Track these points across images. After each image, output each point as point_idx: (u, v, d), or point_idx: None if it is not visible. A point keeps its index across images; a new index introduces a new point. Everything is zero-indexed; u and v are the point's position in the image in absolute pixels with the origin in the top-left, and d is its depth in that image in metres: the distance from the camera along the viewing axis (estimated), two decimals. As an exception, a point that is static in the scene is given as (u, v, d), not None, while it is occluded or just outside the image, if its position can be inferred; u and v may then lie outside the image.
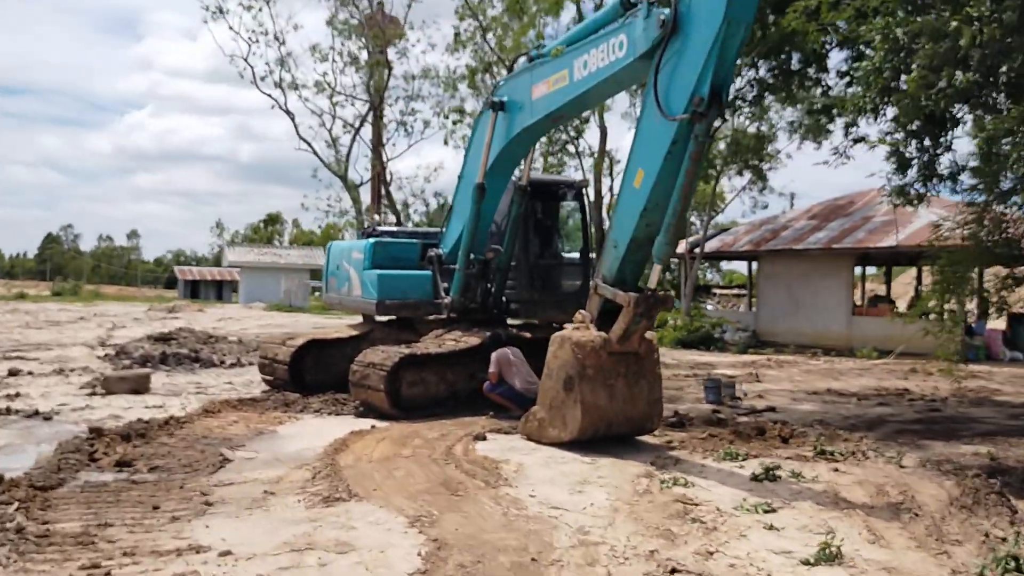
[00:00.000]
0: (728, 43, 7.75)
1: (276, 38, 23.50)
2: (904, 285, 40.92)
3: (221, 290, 78.20)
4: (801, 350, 24.89)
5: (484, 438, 9.88)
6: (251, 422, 10.71)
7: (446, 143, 30.49)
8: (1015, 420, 11.96)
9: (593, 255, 13.33)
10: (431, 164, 59.16)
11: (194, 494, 7.06)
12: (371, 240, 13.19)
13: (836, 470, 8.18)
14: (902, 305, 29.58)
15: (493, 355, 11.49)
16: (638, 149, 8.81)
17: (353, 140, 24.22)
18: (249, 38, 23.68)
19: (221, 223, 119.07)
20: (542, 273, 13.05)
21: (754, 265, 34.40)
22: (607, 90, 10.13)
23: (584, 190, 13.45)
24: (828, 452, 8.76)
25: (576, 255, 14.07)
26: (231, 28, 23.91)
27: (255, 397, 12.37)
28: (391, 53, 24.52)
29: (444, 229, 13.31)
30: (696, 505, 6.83)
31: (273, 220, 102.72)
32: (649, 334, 9.48)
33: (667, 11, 8.17)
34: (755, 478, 7.75)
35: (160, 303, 48.63)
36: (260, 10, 23.30)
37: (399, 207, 23.87)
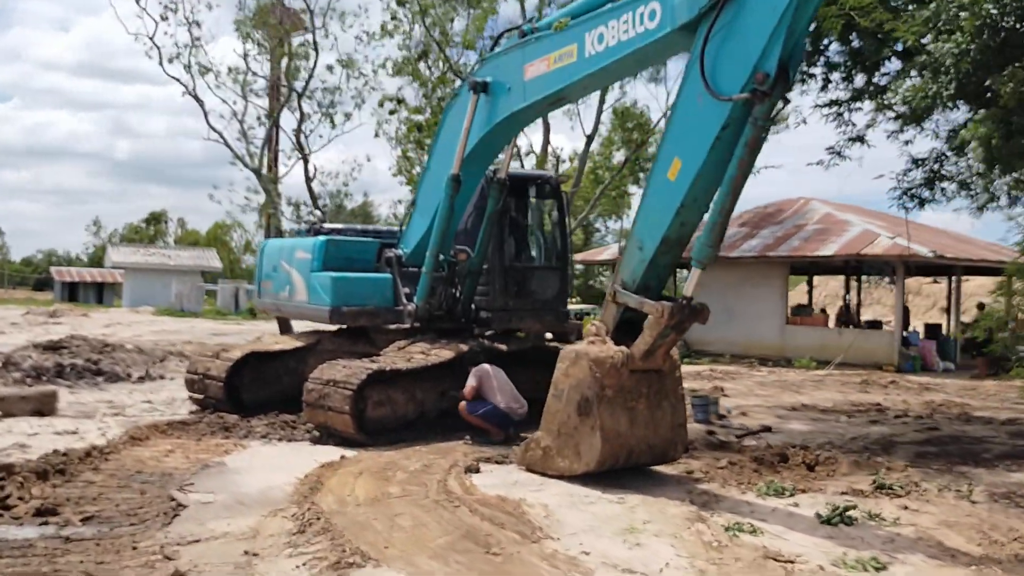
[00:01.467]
0: (801, 10, 6.62)
1: (187, 18, 21.23)
2: (825, 295, 41.35)
3: (102, 293, 73.14)
4: (736, 359, 24.33)
5: (477, 470, 8.48)
6: (190, 451, 8.98)
7: (376, 136, 28.67)
8: (1020, 439, 11.31)
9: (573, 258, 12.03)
10: (356, 158, 56.60)
11: (155, 558, 5.42)
12: (321, 238, 11.56)
13: (906, 508, 7.14)
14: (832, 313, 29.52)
15: (473, 369, 10.07)
16: (674, 135, 7.58)
17: (270, 132, 22.18)
18: (161, 15, 21.31)
19: (99, 222, 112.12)
20: (517, 278, 11.68)
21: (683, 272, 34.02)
22: (628, 67, 8.87)
23: (562, 186, 12.16)
24: (887, 486, 7.71)
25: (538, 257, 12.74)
26: (137, 2, 21.50)
27: (185, 420, 10.55)
28: (296, 44, 22.68)
29: (404, 227, 11.80)
30: (790, 562, 5.62)
31: (156, 219, 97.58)
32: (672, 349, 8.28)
33: (722, -26, 6.97)
34: (827, 521, 6.62)
35: (37, 306, 44.75)
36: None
37: (321, 203, 22.08)
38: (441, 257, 10.84)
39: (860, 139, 11.63)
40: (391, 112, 27.40)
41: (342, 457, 8.82)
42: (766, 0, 6.71)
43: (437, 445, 9.71)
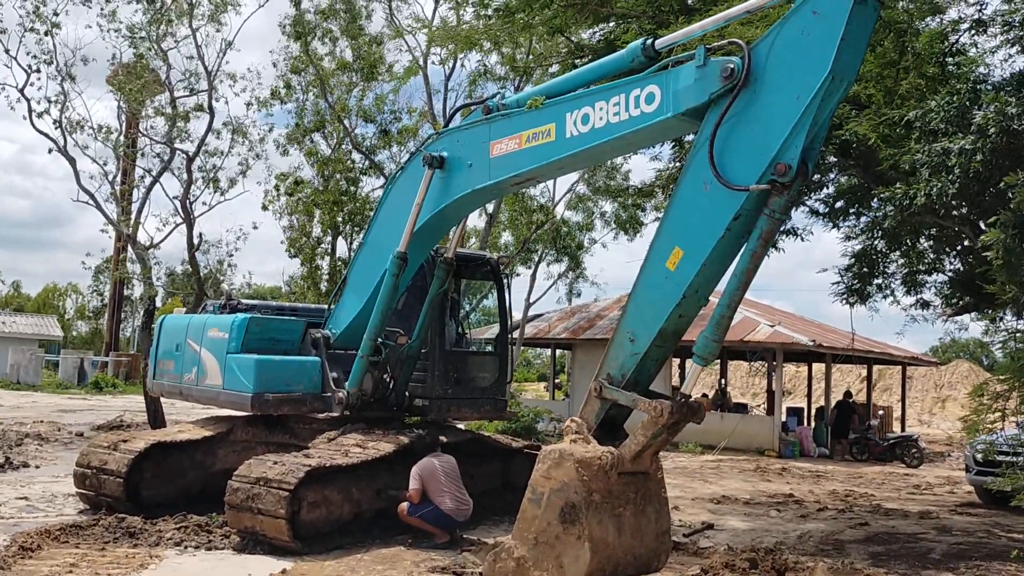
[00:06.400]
0: (827, 100, 6.42)
1: (59, 71, 19.55)
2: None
3: (-83, 360, 66.28)
4: (623, 444, 24.12)
5: (444, 585, 7.59)
6: (97, 565, 7.67)
7: (265, 208, 27.21)
8: (948, 535, 11.40)
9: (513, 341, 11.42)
10: (241, 226, 53.82)
11: None
12: (241, 316, 10.46)
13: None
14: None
15: (415, 468, 9.20)
16: (675, 223, 7.17)
17: (148, 192, 20.62)
18: (29, 66, 19.53)
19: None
20: (457, 364, 10.92)
21: (559, 352, 33.89)
22: (615, 150, 8.46)
23: (502, 267, 11.58)
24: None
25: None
26: (7, 51, 19.67)
27: (78, 522, 9.08)
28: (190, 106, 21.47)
29: (332, 306, 10.86)
30: None
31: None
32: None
33: (736, 60, 6.71)
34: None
35: None
36: (46, 34, 19.40)
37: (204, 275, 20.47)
38: (379, 340, 9.99)
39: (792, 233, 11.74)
40: (288, 193, 26.15)
41: (283, 572, 7.71)
42: (788, 89, 6.47)
43: (378, 552, 8.77)
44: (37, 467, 13.41)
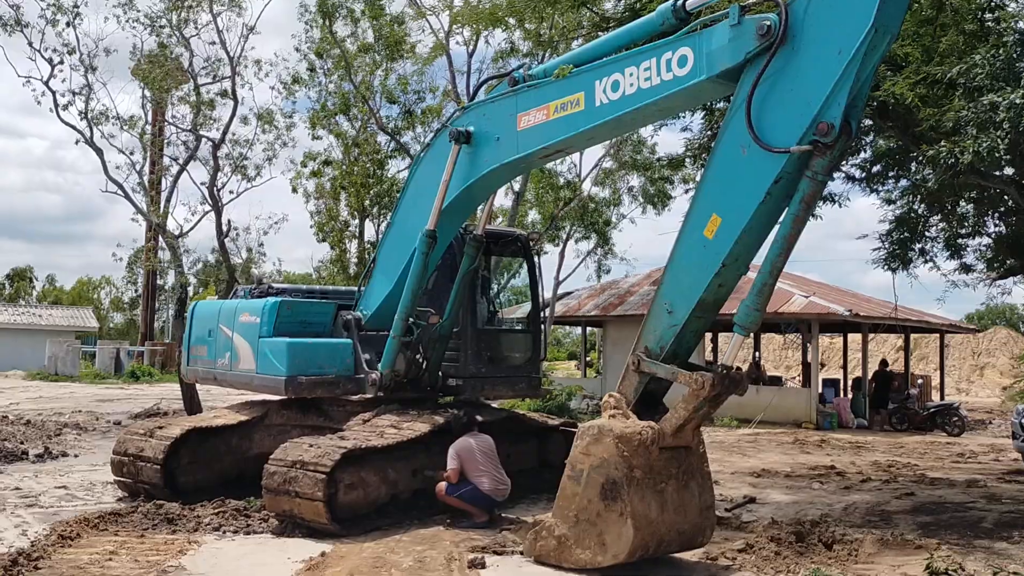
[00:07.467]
0: (868, 58, 6.16)
1: (82, 61, 19.57)
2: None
3: (-43, 355, 67.45)
4: (658, 420, 23.93)
5: (483, 564, 7.47)
6: (136, 552, 7.64)
7: (295, 191, 27.25)
8: (999, 503, 11.13)
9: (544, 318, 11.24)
10: (270, 214, 53.97)
11: None
12: (272, 300, 10.37)
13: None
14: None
15: (452, 448, 9.08)
16: (712, 189, 6.97)
17: (176, 181, 20.67)
18: (51, 59, 19.57)
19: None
20: (490, 342, 10.78)
21: (589, 330, 33.73)
22: (648, 117, 8.24)
23: (532, 243, 11.41)
24: (943, 571, 7.14)
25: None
26: (30, 44, 19.69)
27: (117, 510, 9.07)
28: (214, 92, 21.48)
29: (362, 288, 10.75)
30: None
31: (20, 276, 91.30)
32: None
33: (772, 16, 6.46)
34: (907, 616, 5.98)
35: None
36: (68, 24, 19.44)
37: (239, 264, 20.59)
38: (411, 320, 9.87)
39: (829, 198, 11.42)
40: (314, 174, 26.01)
41: (322, 554, 7.64)
42: (829, 43, 6.22)
43: (417, 532, 8.67)
44: (76, 456, 13.48)
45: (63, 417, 19.30)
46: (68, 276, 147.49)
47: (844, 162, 11.58)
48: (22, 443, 14.31)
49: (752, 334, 32.04)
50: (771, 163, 6.49)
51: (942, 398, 30.05)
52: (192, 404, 17.51)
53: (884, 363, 27.75)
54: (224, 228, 19.67)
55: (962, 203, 11.76)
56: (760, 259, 7.02)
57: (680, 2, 7.46)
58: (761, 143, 6.49)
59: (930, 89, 9.18)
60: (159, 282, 50.73)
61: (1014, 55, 7.76)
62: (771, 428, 22.15)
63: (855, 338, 32.81)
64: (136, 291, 66.73)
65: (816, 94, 6.28)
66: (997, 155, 7.48)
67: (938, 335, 32.29)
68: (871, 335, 29.98)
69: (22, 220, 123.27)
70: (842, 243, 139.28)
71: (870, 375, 25.84)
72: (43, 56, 19.90)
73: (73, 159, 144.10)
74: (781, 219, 6.63)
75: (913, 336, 35.57)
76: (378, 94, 24.34)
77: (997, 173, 9.74)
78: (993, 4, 10.01)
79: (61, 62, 19.70)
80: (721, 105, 10.32)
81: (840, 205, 11.54)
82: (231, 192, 22.34)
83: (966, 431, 21.80)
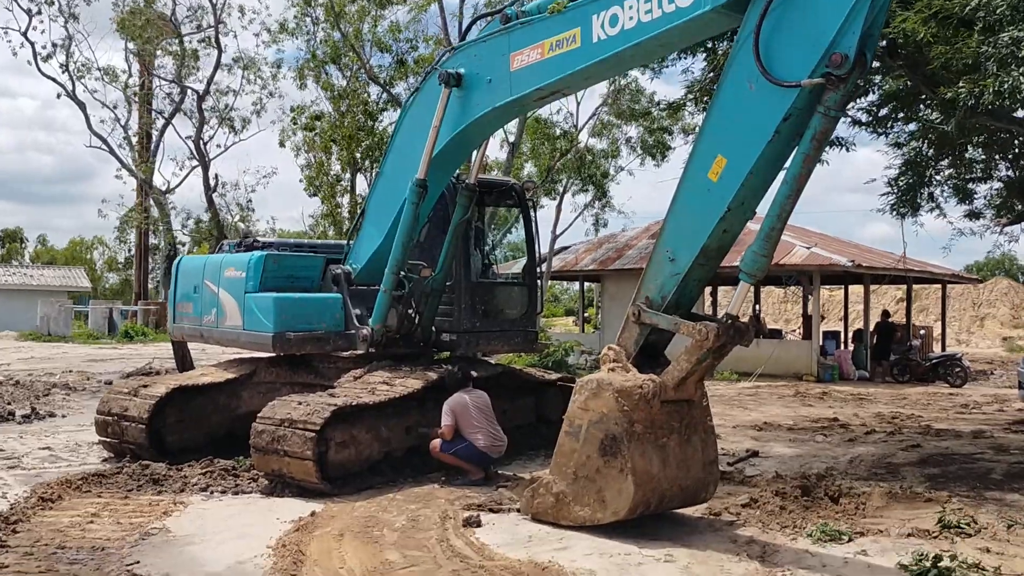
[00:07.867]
0: (885, -19, 5.73)
1: (62, 11, 18.94)
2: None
3: (-51, 316, 67.12)
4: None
5: (478, 523, 7.20)
6: (119, 514, 7.37)
7: (282, 145, 26.69)
8: (1007, 454, 10.89)
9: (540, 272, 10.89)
10: (259, 168, 53.33)
11: None
12: (258, 253, 10.01)
13: (988, 550, 6.32)
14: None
15: (447, 404, 8.79)
16: (717, 128, 6.57)
17: (161, 135, 20.14)
18: (28, 8, 18.94)
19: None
20: (484, 296, 10.43)
21: (587, 284, 33.34)
22: (649, 53, 7.78)
23: (528, 193, 11.00)
24: (955, 524, 6.88)
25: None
26: (6, -6, 19.09)
27: (102, 471, 8.79)
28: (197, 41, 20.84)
29: (351, 241, 10.38)
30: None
31: (11, 236, 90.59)
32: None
33: (781, -60, 6.01)
34: (922, 574, 5.70)
35: None
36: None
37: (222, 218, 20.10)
38: (402, 274, 9.51)
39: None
40: (306, 128, 25.36)
41: (312, 514, 7.37)
42: (843, -33, 5.77)
43: (411, 490, 8.42)
44: (63, 417, 13.21)
45: (53, 377, 19.02)
46: (61, 237, 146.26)
47: (850, 105, 11.17)
48: (8, 403, 14.03)
49: (757, 288, 31.83)
50: (780, 98, 6.09)
51: (943, 349, 29.85)
52: (184, 363, 17.22)
53: (886, 314, 27.45)
54: (212, 183, 19.22)
55: (970, 148, 11.34)
56: (766, 205, 6.65)
57: (682, -72, 6.98)
58: (770, 77, 6.08)
59: (942, 26, 8.72)
60: (152, 241, 50.33)
61: None
62: (772, 381, 21.93)
63: (855, 290, 32.51)
64: (129, 251, 66.23)
65: (829, 23, 5.85)
66: (1020, 95, 7.06)
67: (938, 286, 32.03)
68: (873, 287, 29.70)
69: (14, 180, 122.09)
70: (841, 196, 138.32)
71: (872, 327, 25.56)
72: (20, 6, 19.29)
73: (64, 119, 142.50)
74: (790, 159, 6.23)
75: (914, 288, 35.32)
76: (368, 42, 23.71)
77: (1015, 115, 9.32)
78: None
79: (39, 12, 19.06)
80: (725, 44, 9.87)
81: (848, 149, 11.14)
82: (219, 146, 21.88)
83: (968, 382, 21.61)
